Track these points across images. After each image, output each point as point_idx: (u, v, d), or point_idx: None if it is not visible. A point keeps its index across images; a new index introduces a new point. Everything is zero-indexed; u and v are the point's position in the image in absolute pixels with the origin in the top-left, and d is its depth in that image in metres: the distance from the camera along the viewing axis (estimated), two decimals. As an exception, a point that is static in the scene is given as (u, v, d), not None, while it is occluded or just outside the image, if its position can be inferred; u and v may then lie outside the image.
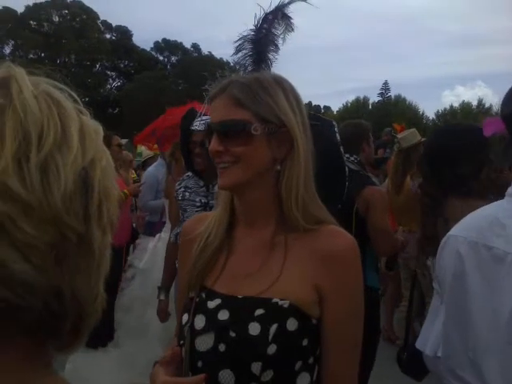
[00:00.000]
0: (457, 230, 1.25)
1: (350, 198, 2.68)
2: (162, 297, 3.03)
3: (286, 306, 1.03)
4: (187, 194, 2.86)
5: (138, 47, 53.11)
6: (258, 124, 1.07)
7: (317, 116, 2.70)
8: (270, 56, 2.38)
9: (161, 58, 55.44)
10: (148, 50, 54.31)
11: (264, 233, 1.12)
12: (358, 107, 58.14)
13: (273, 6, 2.36)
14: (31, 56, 45.70)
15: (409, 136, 4.53)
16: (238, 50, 2.36)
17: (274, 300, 1.04)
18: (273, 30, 2.37)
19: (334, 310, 1.07)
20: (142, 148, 7.88)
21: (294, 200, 1.08)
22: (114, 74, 53.49)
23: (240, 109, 1.08)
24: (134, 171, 7.78)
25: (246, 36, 2.36)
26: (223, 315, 1.07)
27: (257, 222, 1.14)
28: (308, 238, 1.09)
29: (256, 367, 1.00)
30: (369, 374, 2.83)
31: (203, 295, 1.12)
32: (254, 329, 1.02)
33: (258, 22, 2.35)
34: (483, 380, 1.08)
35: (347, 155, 2.91)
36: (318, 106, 72.89)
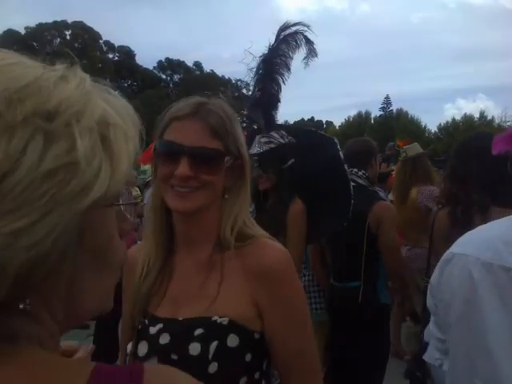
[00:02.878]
0: (465, 248, 1.15)
1: (361, 213, 2.67)
2: None
3: (225, 322, 1.04)
4: None
5: (141, 66, 53.64)
6: (228, 156, 1.10)
7: (319, 133, 2.70)
8: (283, 77, 2.40)
9: (163, 76, 55.95)
10: (151, 68, 54.87)
11: (202, 254, 1.14)
12: (360, 122, 58.35)
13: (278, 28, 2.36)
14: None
15: (414, 147, 4.58)
16: (257, 70, 2.37)
17: (214, 318, 1.05)
18: (289, 52, 2.38)
19: (273, 322, 1.08)
20: (146, 166, 7.87)
21: (230, 225, 1.12)
22: (117, 93, 53.93)
23: (215, 139, 1.09)
24: (137, 189, 7.74)
25: (262, 56, 2.38)
26: (164, 339, 1.07)
27: (196, 243, 1.15)
28: (241, 255, 1.11)
29: None
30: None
31: (146, 321, 1.12)
32: (195, 349, 1.03)
33: (273, 44, 2.36)
34: None
35: (355, 170, 2.88)
36: (320, 121, 73.39)
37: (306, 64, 2.46)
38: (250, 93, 2.52)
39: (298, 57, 2.43)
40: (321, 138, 2.61)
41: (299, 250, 2.37)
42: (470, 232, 1.20)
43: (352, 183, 2.85)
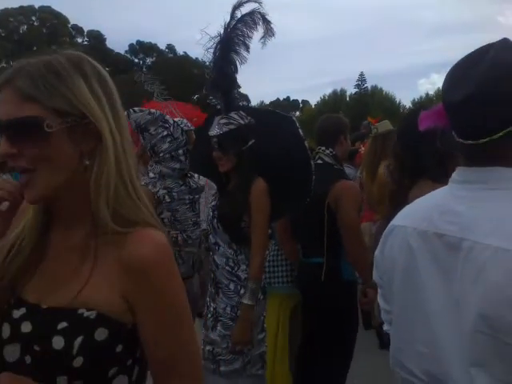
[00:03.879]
0: (404, 219, 1.21)
1: (322, 191, 2.70)
2: None
3: (92, 316, 0.96)
4: (174, 194, 2.86)
5: (113, 51, 52.56)
6: (52, 119, 0.94)
7: (277, 113, 2.72)
8: (240, 56, 2.40)
9: (136, 60, 54.94)
10: (122, 53, 53.80)
11: (76, 236, 1.02)
12: (336, 100, 58.41)
13: (247, 8, 2.36)
14: (3, 65, 44.91)
15: (384, 124, 4.67)
16: (214, 51, 2.36)
17: (80, 311, 0.96)
18: (247, 32, 2.37)
19: (143, 321, 0.99)
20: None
21: (104, 199, 0.97)
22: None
23: (28, 103, 0.93)
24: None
25: (218, 36, 2.36)
26: (26, 327, 0.98)
27: (71, 224, 1.03)
28: (117, 244, 0.99)
29: (62, 381, 0.94)
30: (349, 362, 2.89)
31: (11, 302, 1.02)
32: (58, 342, 0.94)
33: (229, 23, 2.36)
34: (442, 369, 1.06)
35: (323, 148, 2.93)
36: (296, 100, 73.14)
37: (264, 44, 2.45)
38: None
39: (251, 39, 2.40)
40: (279, 117, 2.63)
41: (264, 229, 2.40)
42: (409, 205, 1.27)
43: (319, 161, 2.90)
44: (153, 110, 2.87)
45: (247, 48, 2.40)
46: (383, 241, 1.27)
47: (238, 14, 2.36)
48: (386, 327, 1.35)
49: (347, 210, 2.71)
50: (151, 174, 2.85)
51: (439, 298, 1.07)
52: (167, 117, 2.90)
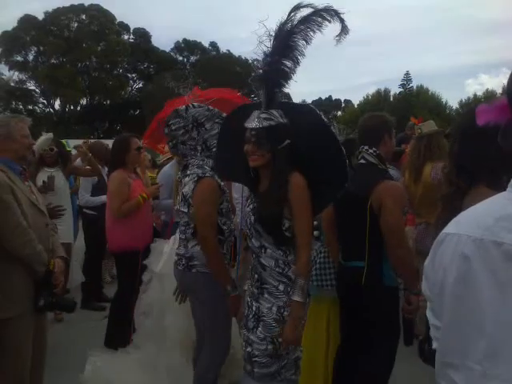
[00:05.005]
0: (457, 227, 1.13)
1: (364, 192, 2.61)
2: (234, 292, 2.74)
3: None
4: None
5: (158, 49, 53.42)
6: None
7: (291, 103, 2.61)
8: (297, 55, 2.33)
9: (180, 58, 55.67)
10: (168, 51, 54.60)
11: None
12: (379, 99, 57.38)
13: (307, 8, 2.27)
14: (53, 61, 46.42)
15: (429, 124, 4.54)
16: (272, 43, 2.28)
17: None
18: (314, 29, 2.30)
19: None
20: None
21: None
22: (134, 75, 53.93)
23: None
24: (155, 171, 7.68)
25: (276, 29, 2.28)
26: None
27: None
28: None
29: None
30: (391, 369, 2.78)
31: None
32: None
33: (287, 21, 2.28)
34: None
35: (366, 147, 2.82)
36: (339, 99, 72.29)
37: (338, 41, 2.34)
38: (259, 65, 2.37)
39: (316, 36, 2.31)
40: (297, 107, 2.53)
41: (308, 226, 2.34)
42: (462, 212, 1.18)
43: (362, 161, 2.81)
44: (211, 107, 2.93)
45: (307, 44, 2.31)
46: (434, 250, 1.18)
47: (298, 13, 2.26)
48: (434, 345, 1.25)
49: (391, 210, 2.58)
50: (207, 168, 2.86)
51: (495, 311, 0.99)
52: (224, 114, 2.92)
